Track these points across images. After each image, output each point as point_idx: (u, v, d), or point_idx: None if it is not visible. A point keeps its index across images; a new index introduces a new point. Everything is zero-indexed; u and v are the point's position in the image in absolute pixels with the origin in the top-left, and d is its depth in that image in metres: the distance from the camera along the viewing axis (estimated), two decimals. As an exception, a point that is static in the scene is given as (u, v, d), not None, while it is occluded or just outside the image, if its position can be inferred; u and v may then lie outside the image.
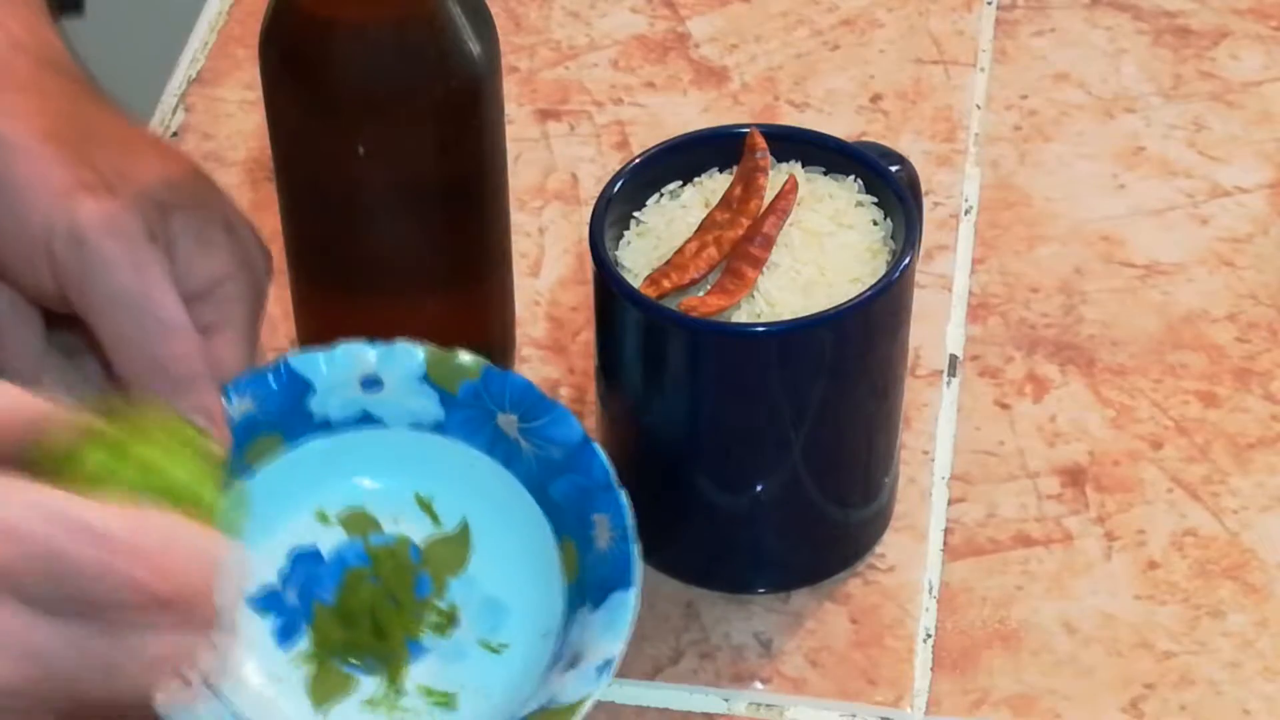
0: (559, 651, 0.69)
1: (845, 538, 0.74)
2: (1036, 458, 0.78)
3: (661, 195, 0.72)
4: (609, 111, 0.93)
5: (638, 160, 0.72)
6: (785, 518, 0.73)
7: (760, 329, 0.67)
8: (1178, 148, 0.90)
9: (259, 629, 0.71)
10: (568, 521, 0.70)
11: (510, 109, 0.91)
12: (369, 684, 0.70)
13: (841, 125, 0.91)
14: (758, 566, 0.74)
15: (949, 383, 0.81)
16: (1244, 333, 0.82)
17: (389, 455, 0.72)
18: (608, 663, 0.66)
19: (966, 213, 0.88)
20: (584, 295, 0.84)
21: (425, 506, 0.72)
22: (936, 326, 0.83)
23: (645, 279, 0.69)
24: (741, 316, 0.68)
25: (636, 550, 0.68)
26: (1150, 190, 0.89)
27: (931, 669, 0.71)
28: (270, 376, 0.71)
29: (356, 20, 0.71)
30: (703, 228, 0.70)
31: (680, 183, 0.72)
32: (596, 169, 0.90)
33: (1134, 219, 0.87)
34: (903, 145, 0.90)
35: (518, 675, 0.69)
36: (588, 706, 0.66)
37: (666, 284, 0.68)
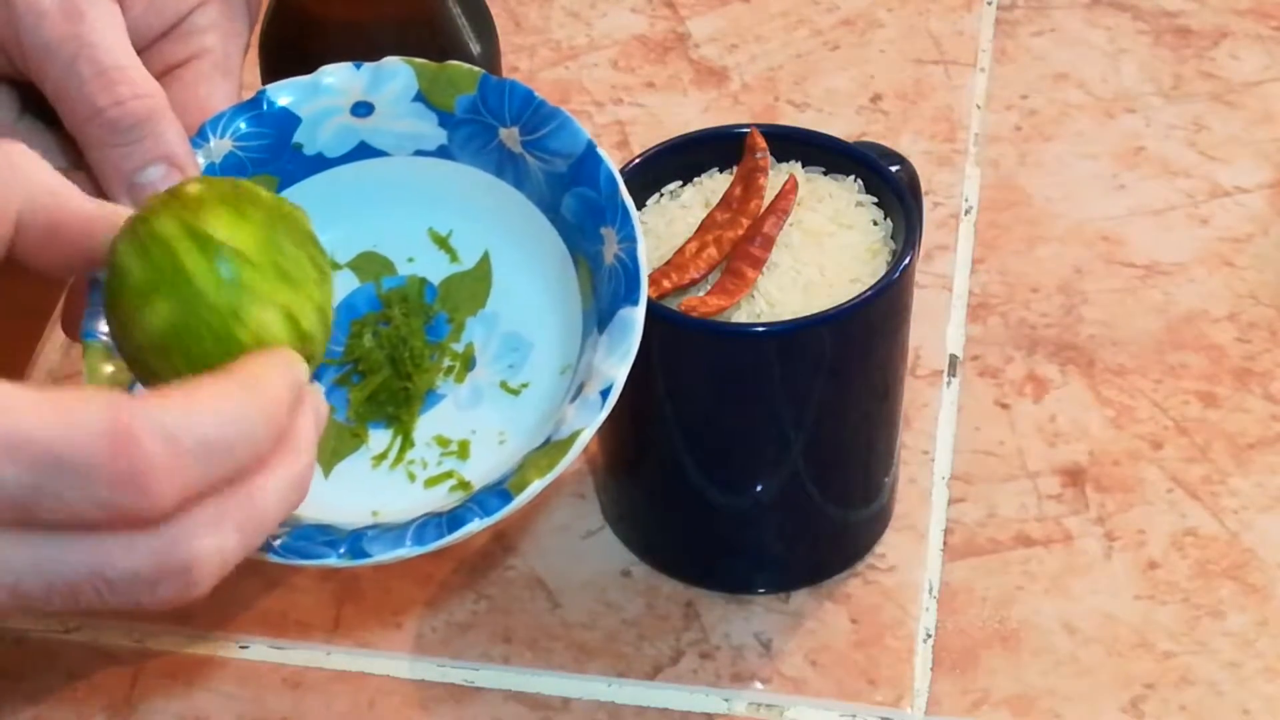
0: (571, 384, 0.63)
1: (845, 538, 0.74)
2: (1036, 458, 0.78)
3: (661, 195, 0.72)
4: (609, 111, 0.93)
5: (638, 160, 0.72)
6: (785, 518, 0.72)
7: (760, 329, 0.67)
8: (1178, 148, 0.90)
9: None
10: (579, 240, 0.64)
11: (510, 109, 0.91)
12: (378, 438, 0.65)
13: (841, 125, 0.91)
14: (758, 566, 0.74)
15: (949, 383, 0.81)
16: (1244, 333, 0.82)
17: (396, 187, 0.67)
18: (608, 388, 0.60)
19: (966, 213, 0.88)
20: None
21: (441, 243, 0.67)
22: (936, 326, 0.83)
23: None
24: (741, 316, 0.68)
25: (644, 263, 0.62)
26: (1150, 190, 0.89)
27: (931, 669, 0.71)
28: (248, 110, 0.65)
29: (356, 20, 0.71)
30: (703, 228, 0.70)
31: (680, 183, 0.72)
32: (596, 169, 0.90)
33: (1134, 219, 0.87)
34: (903, 145, 0.90)
35: (537, 417, 0.64)
36: (585, 439, 0.60)
37: (666, 284, 0.68)
